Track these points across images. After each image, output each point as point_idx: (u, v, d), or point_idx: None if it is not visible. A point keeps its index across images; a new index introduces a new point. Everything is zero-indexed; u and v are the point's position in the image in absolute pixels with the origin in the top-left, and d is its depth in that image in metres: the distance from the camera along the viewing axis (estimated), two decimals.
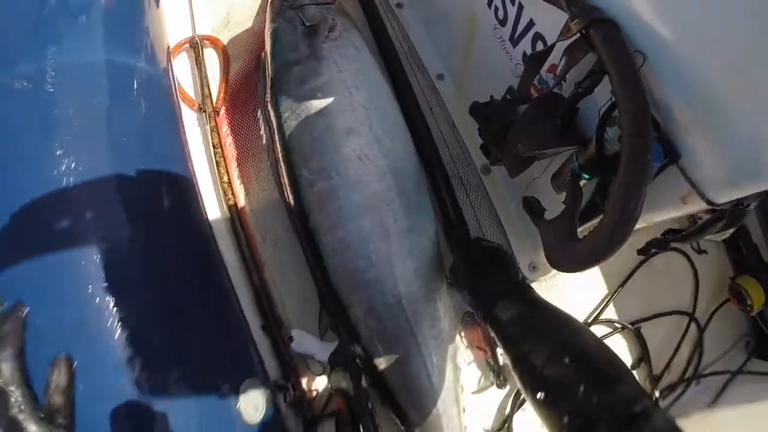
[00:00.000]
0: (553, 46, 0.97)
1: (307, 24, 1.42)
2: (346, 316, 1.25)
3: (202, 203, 1.28)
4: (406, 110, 1.45)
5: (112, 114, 1.03)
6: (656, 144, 0.78)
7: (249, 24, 1.66)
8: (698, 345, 1.65)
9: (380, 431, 1.18)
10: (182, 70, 1.57)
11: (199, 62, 1.57)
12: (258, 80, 1.49)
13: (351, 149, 1.27)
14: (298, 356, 1.28)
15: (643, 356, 1.58)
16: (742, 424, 1.48)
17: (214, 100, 1.53)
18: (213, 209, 1.42)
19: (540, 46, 1.10)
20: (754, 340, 1.70)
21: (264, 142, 1.42)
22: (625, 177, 0.72)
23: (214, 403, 0.97)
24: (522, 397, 1.44)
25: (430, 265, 1.30)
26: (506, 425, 1.45)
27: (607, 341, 1.44)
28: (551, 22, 1.01)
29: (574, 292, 1.57)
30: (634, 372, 1.56)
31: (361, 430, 1.12)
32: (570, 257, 0.81)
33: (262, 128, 1.43)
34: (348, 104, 1.31)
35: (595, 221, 0.92)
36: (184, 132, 1.31)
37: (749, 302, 1.51)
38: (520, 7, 1.13)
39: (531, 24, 1.11)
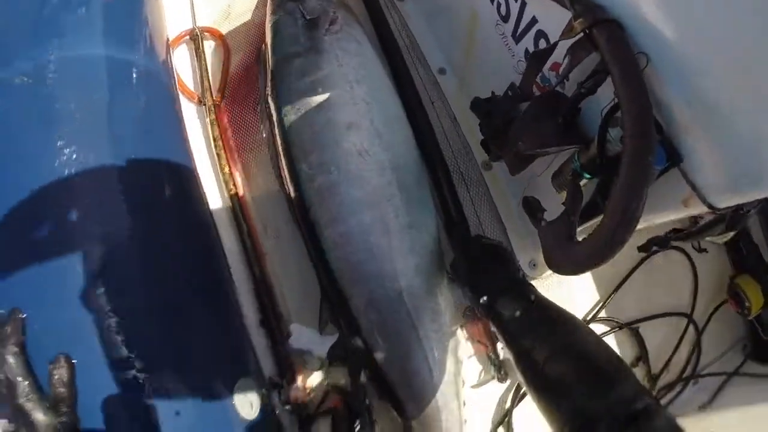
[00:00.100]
0: (555, 44, 0.96)
1: (308, 17, 1.40)
2: (346, 307, 1.25)
3: (204, 195, 1.27)
4: (408, 105, 1.44)
5: (112, 107, 1.02)
6: (659, 147, 0.77)
7: (249, 16, 1.64)
8: (696, 346, 1.66)
9: (377, 427, 1.19)
10: (182, 62, 1.56)
11: (199, 54, 1.55)
12: (258, 73, 1.47)
13: (352, 144, 1.26)
14: (295, 353, 1.28)
15: (641, 355, 1.59)
16: (738, 425, 1.48)
17: (214, 93, 1.52)
18: (214, 201, 1.41)
19: (543, 44, 1.09)
20: (751, 343, 1.70)
21: (264, 135, 1.41)
22: (627, 178, 0.72)
23: (210, 400, 0.97)
24: (522, 391, 1.45)
25: (431, 261, 1.30)
26: (506, 419, 1.46)
27: (605, 340, 1.44)
28: (554, 19, 0.99)
29: (574, 290, 1.57)
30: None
31: (358, 426, 1.12)
32: (569, 259, 0.81)
33: (263, 121, 1.42)
34: (349, 98, 1.30)
35: (595, 221, 0.92)
36: (184, 125, 1.30)
37: (747, 305, 1.51)
38: (523, 4, 1.11)
39: (534, 21, 1.10)
